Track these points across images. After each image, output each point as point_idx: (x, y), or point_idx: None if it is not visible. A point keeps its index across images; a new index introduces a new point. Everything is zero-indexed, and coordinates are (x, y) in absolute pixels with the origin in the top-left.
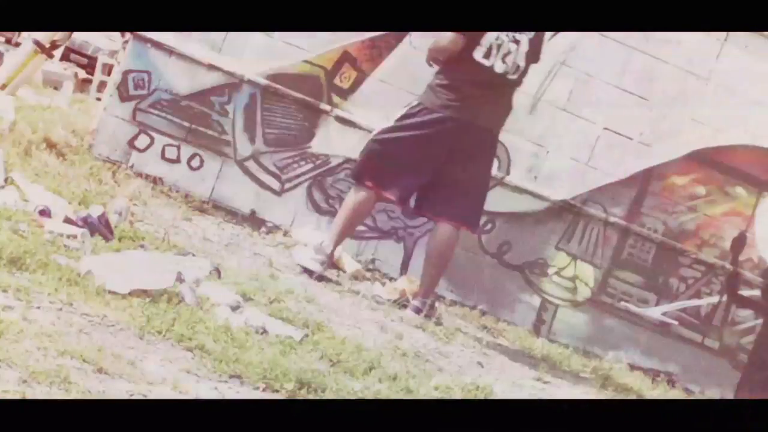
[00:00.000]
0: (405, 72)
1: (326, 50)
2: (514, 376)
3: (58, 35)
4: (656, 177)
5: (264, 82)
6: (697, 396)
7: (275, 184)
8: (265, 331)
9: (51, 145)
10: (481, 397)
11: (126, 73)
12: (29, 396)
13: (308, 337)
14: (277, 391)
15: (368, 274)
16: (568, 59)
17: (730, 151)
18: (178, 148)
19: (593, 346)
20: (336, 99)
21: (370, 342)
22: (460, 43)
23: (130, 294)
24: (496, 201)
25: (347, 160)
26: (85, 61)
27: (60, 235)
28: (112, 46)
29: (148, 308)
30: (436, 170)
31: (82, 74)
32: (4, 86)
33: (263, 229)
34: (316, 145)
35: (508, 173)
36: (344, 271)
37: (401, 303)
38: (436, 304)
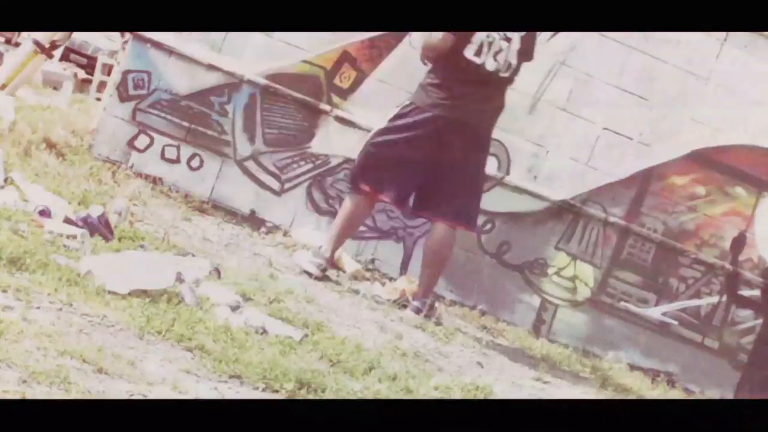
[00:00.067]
0: (405, 72)
1: (326, 50)
2: (514, 376)
3: (57, 35)
4: (656, 177)
5: (264, 82)
6: (697, 396)
7: (275, 184)
8: (264, 331)
9: (51, 146)
10: (480, 397)
11: (126, 73)
12: (29, 396)
13: (308, 337)
14: (277, 391)
15: (368, 274)
16: (567, 59)
17: (730, 151)
18: (178, 148)
19: (593, 346)
20: (336, 99)
21: (369, 342)
22: (449, 41)
23: (129, 294)
24: (495, 201)
25: (347, 160)
26: (84, 61)
27: (60, 236)
28: (111, 46)
29: (147, 308)
30: (431, 170)
31: (82, 74)
32: (3, 86)
33: (263, 229)
34: (316, 145)
35: (507, 173)
36: (344, 271)
37: (401, 303)
38: (436, 304)
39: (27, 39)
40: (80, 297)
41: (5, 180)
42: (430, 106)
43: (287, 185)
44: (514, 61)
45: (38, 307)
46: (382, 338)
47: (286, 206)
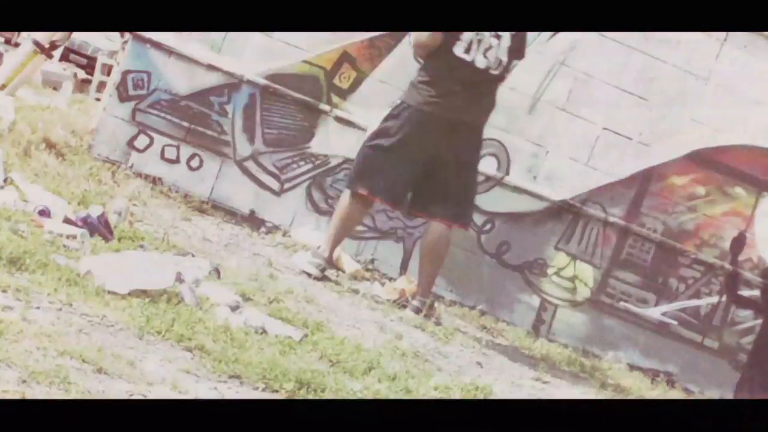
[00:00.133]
0: (404, 72)
1: (326, 50)
2: (514, 376)
3: (57, 35)
4: (656, 177)
5: (263, 82)
6: (697, 396)
7: (275, 184)
8: (264, 331)
9: (50, 146)
10: (480, 397)
11: (125, 74)
12: (29, 396)
13: (307, 337)
14: (277, 391)
15: (368, 274)
16: (567, 59)
17: (730, 151)
18: (178, 148)
19: (593, 346)
20: (335, 99)
21: (369, 342)
22: (438, 39)
23: (129, 294)
24: (495, 201)
25: (346, 160)
26: (84, 61)
27: (59, 236)
28: (111, 47)
29: (147, 308)
30: (424, 169)
31: (82, 74)
32: (3, 86)
33: (263, 229)
34: (316, 145)
35: (507, 173)
36: (344, 271)
37: (401, 303)
38: (436, 304)
39: (27, 39)
40: (80, 297)
41: (5, 180)
42: (421, 104)
43: (287, 185)
44: (504, 59)
45: (38, 307)
46: (382, 338)
47: (285, 206)
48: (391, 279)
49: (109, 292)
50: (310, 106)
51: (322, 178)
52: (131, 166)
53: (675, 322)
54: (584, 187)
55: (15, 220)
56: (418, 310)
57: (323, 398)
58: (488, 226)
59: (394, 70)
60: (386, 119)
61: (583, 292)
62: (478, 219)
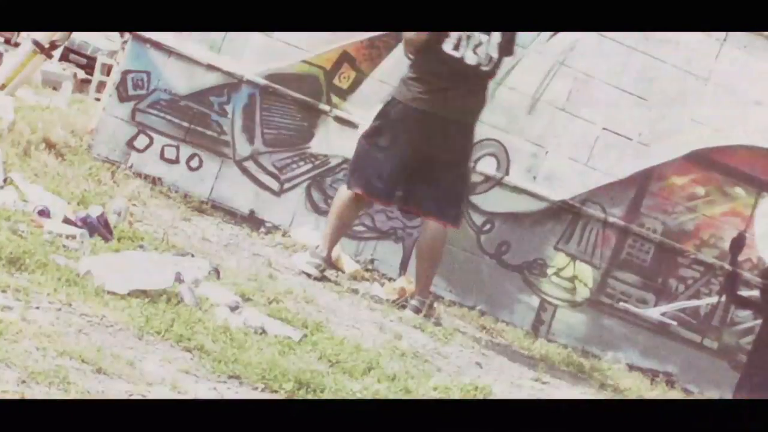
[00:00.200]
0: (404, 72)
1: (325, 50)
2: (513, 376)
3: (57, 35)
4: (655, 177)
5: (263, 82)
6: (696, 396)
7: (274, 185)
8: (264, 332)
9: (50, 146)
10: (479, 397)
11: (125, 73)
12: (28, 396)
13: (307, 337)
14: (276, 391)
15: (367, 275)
16: (567, 59)
17: (729, 151)
18: (177, 148)
19: (592, 347)
20: (335, 99)
21: (368, 342)
22: (426, 35)
23: (129, 294)
24: (495, 201)
25: (346, 160)
26: (84, 61)
27: (59, 236)
28: (111, 47)
29: (147, 309)
30: (414, 165)
31: (81, 74)
32: (3, 86)
33: (262, 229)
34: (315, 146)
35: (507, 173)
36: (343, 272)
37: (400, 303)
38: (435, 304)
39: (26, 39)
40: (79, 297)
41: (4, 180)
42: (410, 101)
43: (286, 185)
44: (495, 55)
45: (37, 307)
46: (381, 338)
47: (285, 206)
48: (390, 279)
49: (108, 293)
50: (310, 106)
51: (321, 178)
52: (131, 166)
53: (674, 323)
54: (584, 188)
55: (15, 220)
56: (417, 310)
57: (322, 398)
58: (488, 227)
59: (394, 70)
60: (378, 116)
61: (583, 293)
62: (477, 219)
